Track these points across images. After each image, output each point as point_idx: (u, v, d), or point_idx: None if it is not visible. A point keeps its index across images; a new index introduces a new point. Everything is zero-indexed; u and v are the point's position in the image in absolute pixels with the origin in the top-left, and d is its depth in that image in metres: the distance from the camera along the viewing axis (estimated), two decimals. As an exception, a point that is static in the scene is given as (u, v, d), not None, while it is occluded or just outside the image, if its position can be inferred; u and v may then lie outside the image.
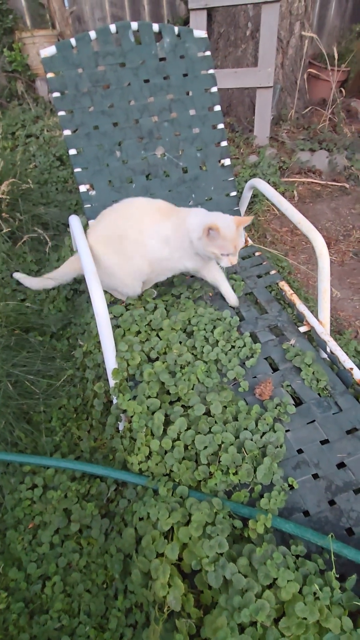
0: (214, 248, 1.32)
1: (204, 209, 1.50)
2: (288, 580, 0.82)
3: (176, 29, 1.72)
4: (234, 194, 1.91)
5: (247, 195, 1.98)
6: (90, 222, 1.73)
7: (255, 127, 3.18)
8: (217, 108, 1.80)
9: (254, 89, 3.05)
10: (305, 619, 0.79)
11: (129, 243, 1.46)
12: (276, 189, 2.15)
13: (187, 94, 1.77)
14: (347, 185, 3.03)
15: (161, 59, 1.68)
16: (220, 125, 1.83)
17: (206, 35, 1.76)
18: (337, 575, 0.90)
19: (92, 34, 1.65)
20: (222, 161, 1.86)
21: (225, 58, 3.46)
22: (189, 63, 1.73)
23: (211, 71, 1.77)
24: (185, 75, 1.74)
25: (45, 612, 1.15)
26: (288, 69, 3.42)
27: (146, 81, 1.72)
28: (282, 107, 3.52)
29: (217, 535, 0.89)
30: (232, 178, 1.89)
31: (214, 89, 1.78)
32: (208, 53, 1.76)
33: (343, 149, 3.07)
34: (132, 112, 1.73)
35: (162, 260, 1.49)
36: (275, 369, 1.44)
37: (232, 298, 1.61)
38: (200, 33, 1.75)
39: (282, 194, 2.87)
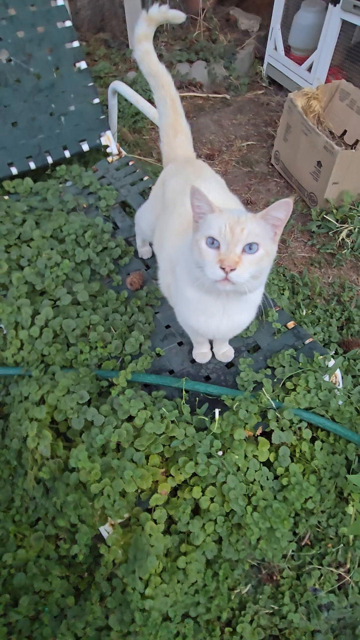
0: (199, 236, 0.76)
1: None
2: (139, 410, 0.96)
3: None
4: (96, 100, 1.86)
5: (113, 103, 1.94)
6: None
7: (130, 39, 3.02)
8: (60, 2, 1.69)
9: (122, -5, 2.86)
10: (155, 433, 0.94)
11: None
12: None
13: (24, -14, 1.63)
14: (228, 96, 3.05)
15: None
16: (68, 23, 1.72)
17: None
18: (189, 406, 1.07)
19: None
20: (78, 64, 1.79)
21: None
22: None
23: None
24: None
25: None
26: (157, -28, 3.22)
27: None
28: (158, 17, 3.35)
29: (80, 390, 0.99)
30: (92, 83, 1.83)
31: (52, -21, 1.66)
32: None
33: (220, 57, 3.05)
34: None
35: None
36: (148, 267, 1.54)
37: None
38: None
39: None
